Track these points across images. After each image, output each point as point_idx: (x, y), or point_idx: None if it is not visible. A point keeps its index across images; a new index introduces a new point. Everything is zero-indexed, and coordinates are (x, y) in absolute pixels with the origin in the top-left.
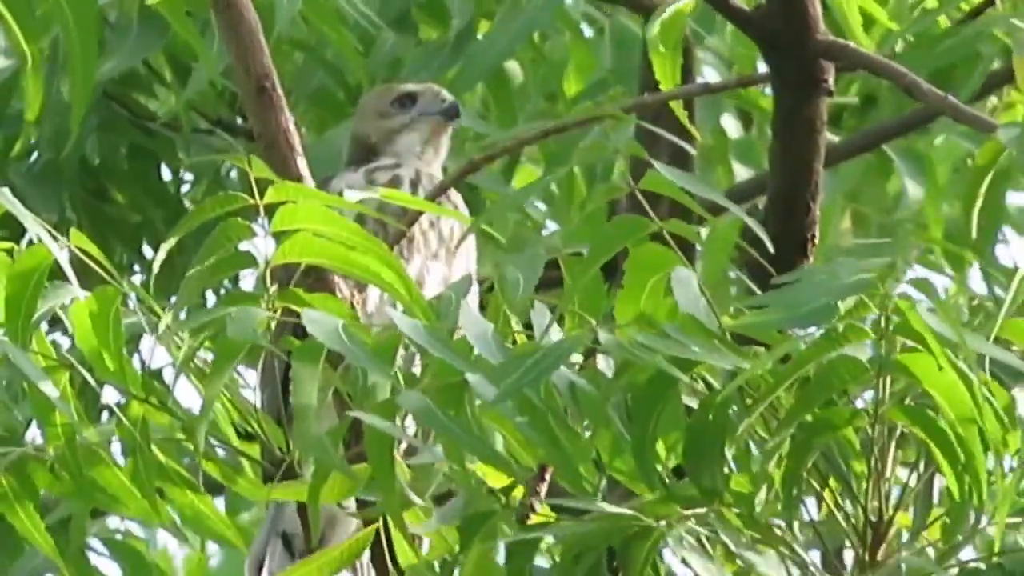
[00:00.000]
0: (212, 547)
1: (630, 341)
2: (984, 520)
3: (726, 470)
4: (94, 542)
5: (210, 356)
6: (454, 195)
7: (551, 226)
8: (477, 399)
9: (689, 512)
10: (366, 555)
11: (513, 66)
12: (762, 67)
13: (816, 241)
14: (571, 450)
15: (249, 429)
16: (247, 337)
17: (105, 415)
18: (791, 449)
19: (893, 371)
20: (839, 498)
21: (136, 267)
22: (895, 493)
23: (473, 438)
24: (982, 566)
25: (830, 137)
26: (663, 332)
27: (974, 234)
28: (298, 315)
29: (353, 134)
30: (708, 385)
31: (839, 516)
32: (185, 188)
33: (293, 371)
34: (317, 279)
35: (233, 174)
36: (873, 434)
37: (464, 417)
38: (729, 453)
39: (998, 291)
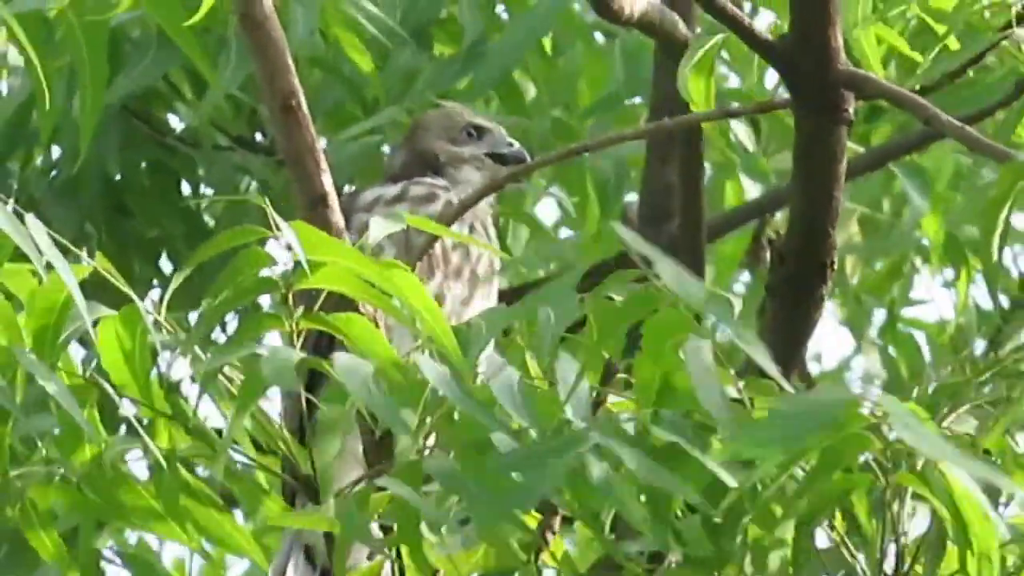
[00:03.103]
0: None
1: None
2: None
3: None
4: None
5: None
6: (483, 213)
7: (564, 232)
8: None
9: None
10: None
11: (526, 83)
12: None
13: (835, 267)
14: (593, 503)
15: (272, 446)
16: (283, 381)
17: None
18: (804, 513)
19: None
20: (853, 551)
21: (154, 280)
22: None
23: (498, 504)
24: None
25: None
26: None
27: (995, 257)
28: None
29: (416, 149)
30: None
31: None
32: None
33: (319, 426)
34: (341, 298)
35: (253, 185)
36: (886, 496)
37: (487, 474)
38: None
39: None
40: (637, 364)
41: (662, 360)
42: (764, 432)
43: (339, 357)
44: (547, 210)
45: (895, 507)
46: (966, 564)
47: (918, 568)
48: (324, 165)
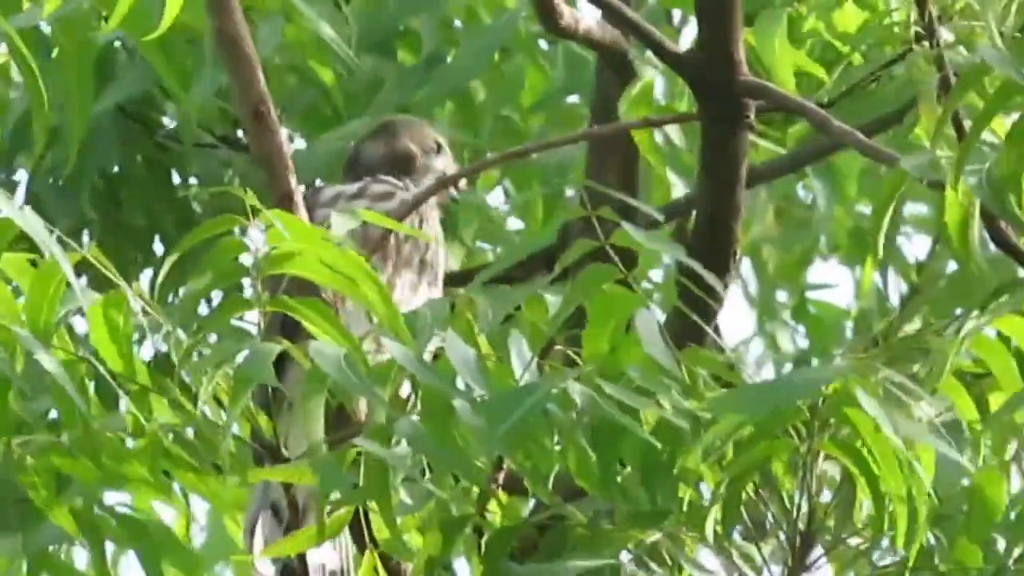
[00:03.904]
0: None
1: (595, 388)
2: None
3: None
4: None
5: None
6: (430, 208)
7: (513, 223)
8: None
9: (647, 536)
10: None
11: (477, 86)
12: None
13: (737, 256)
14: (542, 464)
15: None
16: (261, 376)
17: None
18: (734, 475)
19: (832, 416)
20: (772, 510)
21: (148, 262)
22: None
23: (458, 460)
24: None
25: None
26: (626, 376)
27: (880, 253)
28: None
29: (395, 146)
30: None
31: (773, 524)
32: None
33: (302, 403)
34: (304, 283)
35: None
36: (806, 460)
37: (451, 436)
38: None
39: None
40: (586, 337)
41: (608, 334)
42: (744, 399)
43: (312, 345)
44: (499, 201)
45: (810, 469)
46: (880, 513)
47: (829, 524)
48: (291, 165)
